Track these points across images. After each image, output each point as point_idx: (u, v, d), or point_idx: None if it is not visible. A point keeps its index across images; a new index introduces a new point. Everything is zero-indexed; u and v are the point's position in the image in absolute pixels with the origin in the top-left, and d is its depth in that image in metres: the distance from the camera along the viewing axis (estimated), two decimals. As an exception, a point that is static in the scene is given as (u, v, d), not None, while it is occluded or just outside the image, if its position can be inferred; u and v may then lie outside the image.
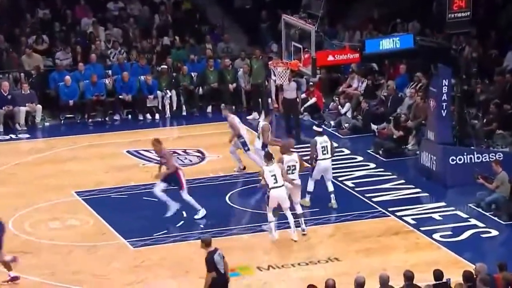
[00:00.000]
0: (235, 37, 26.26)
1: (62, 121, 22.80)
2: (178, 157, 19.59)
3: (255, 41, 26.00)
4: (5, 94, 22.22)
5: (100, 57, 23.95)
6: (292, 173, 16.22)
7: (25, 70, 23.33)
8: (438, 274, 12.63)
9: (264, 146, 18.06)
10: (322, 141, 17.26)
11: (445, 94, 18.49)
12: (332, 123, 22.36)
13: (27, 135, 21.84)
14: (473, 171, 17.56)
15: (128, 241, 15.94)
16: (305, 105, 22.85)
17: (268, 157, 16.06)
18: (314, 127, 17.89)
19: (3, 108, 22.05)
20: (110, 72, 23.70)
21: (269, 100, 23.44)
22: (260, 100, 23.39)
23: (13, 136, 21.80)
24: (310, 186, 17.25)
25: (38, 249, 15.55)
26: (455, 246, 15.87)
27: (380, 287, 12.39)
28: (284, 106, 21.58)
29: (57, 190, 18.18)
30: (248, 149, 18.74)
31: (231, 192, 18.21)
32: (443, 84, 18.50)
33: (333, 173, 17.92)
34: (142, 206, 17.52)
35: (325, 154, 17.18)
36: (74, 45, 24.33)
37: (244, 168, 19.00)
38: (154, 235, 16.17)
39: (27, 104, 22.27)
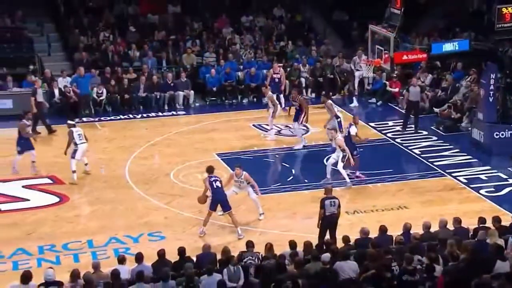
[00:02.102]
0: (333, 41, 25.91)
1: (208, 102, 22.98)
2: (289, 129, 19.51)
3: (348, 45, 25.60)
4: (169, 82, 22.58)
5: (235, 56, 24.06)
6: None
7: (184, 65, 23.70)
8: (482, 220, 12.39)
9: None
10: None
11: (492, 85, 17.95)
12: (405, 106, 21.81)
13: (183, 112, 22.08)
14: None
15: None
16: (389, 92, 22.42)
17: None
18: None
19: (167, 92, 22.44)
20: (241, 67, 23.79)
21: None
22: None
23: (174, 112, 22.06)
24: None
25: (189, 194, 15.72)
26: (497, 199, 15.39)
27: (439, 228, 12.24)
28: (408, 106, 19.87)
29: (203, 152, 18.38)
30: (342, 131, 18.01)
31: (327, 156, 18.07)
32: (491, 77, 17.97)
33: (404, 143, 17.62)
34: (263, 165, 17.60)
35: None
36: (217, 47, 24.51)
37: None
38: (272, 186, 16.22)
39: (184, 90, 22.61)
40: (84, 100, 21.37)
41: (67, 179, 16.58)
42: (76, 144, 16.33)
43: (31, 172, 16.74)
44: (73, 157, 16.31)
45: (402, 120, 20.09)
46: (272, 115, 19.34)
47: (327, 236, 12.66)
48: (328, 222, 12.80)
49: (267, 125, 19.77)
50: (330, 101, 18.67)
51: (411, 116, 19.76)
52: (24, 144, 16.78)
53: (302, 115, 18.44)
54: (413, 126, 19.74)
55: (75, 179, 16.28)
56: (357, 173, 16.21)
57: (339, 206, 12.93)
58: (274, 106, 19.36)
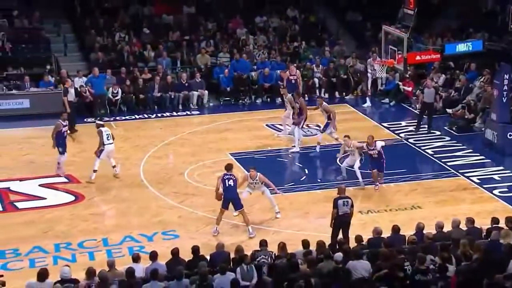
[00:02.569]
0: (346, 42, 25.85)
1: (221, 102, 23.01)
2: (302, 129, 19.45)
3: (361, 45, 25.53)
4: (183, 82, 22.63)
5: (249, 56, 24.06)
6: None
7: (198, 66, 23.74)
8: (495, 220, 12.31)
9: None
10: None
11: (505, 85, 17.84)
12: (418, 106, 21.74)
13: (198, 112, 22.09)
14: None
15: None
16: (403, 92, 22.33)
17: None
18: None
19: (182, 92, 22.49)
20: (255, 67, 23.78)
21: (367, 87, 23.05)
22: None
23: (188, 112, 22.09)
24: None
25: (203, 193, 15.77)
26: (510, 200, 15.27)
27: (452, 228, 12.18)
28: (422, 107, 19.74)
29: (217, 151, 18.41)
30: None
31: (340, 156, 18.04)
32: (504, 78, 17.86)
33: (417, 144, 17.55)
34: (276, 164, 17.59)
35: None
36: (231, 48, 24.53)
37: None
38: (285, 185, 16.21)
39: (198, 90, 22.65)
40: (99, 100, 21.49)
41: (83, 178, 16.68)
42: (103, 144, 16.20)
43: (57, 172, 16.67)
44: (98, 156, 16.24)
45: (415, 121, 20.00)
46: (293, 117, 18.88)
47: (340, 236, 12.64)
48: (340, 221, 12.79)
49: (281, 125, 19.65)
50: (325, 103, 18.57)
51: (424, 116, 19.63)
52: (63, 144, 16.61)
53: (303, 118, 18.26)
54: (426, 126, 19.65)
55: (93, 178, 16.31)
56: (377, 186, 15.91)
57: (352, 205, 12.92)
58: (293, 108, 19.13)
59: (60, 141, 16.63)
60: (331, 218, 12.91)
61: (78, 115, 21.29)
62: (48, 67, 22.75)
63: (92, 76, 21.67)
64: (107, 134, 16.36)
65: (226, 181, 13.84)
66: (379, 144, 15.76)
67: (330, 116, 18.27)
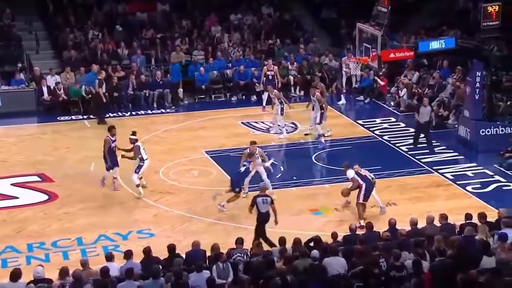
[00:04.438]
0: (321, 39, 25.94)
1: (196, 100, 22.93)
2: (285, 126, 19.33)
3: (336, 43, 25.64)
4: (158, 80, 22.53)
5: (224, 54, 24.03)
6: None
7: (172, 64, 23.62)
8: (469, 216, 12.45)
9: None
10: None
11: (478, 83, 17.99)
12: (392, 103, 21.95)
13: (173, 110, 22.00)
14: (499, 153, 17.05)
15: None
16: (377, 87, 22.48)
17: None
18: None
19: (156, 90, 22.36)
20: (230, 65, 23.76)
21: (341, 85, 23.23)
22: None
23: (163, 110, 21.99)
24: None
25: (179, 191, 15.78)
26: (483, 196, 15.47)
27: (426, 225, 12.30)
28: (417, 127, 18.46)
29: (192, 149, 18.38)
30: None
31: (316, 153, 18.12)
32: (477, 75, 18.01)
33: (392, 141, 17.58)
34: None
35: None
36: (206, 45, 24.47)
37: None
38: (260, 183, 16.14)
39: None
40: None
41: (56, 177, 16.52)
42: (143, 160, 15.34)
43: (111, 189, 15.73)
44: (137, 172, 15.36)
45: (389, 118, 20.13)
46: (281, 113, 19.06)
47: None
48: (263, 219, 12.98)
49: (273, 123, 19.55)
50: (318, 94, 18.69)
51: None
52: (114, 158, 15.63)
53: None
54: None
55: (142, 193, 15.44)
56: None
57: (271, 203, 13.01)
58: (282, 103, 19.04)
59: (113, 157, 15.61)
60: (249, 212, 13.14)
61: (51, 114, 21.15)
62: (20, 65, 22.48)
63: (92, 73, 21.59)
64: (143, 148, 15.52)
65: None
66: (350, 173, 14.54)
67: (322, 106, 18.39)
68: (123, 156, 15.66)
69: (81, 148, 18.42)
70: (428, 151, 17.89)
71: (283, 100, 19.22)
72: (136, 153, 15.43)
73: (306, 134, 19.09)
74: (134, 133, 15.80)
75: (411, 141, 18.79)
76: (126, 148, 15.65)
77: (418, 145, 18.29)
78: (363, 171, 14.50)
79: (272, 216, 13.11)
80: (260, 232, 12.86)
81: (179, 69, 22.55)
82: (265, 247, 11.95)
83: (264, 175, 15.16)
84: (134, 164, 15.52)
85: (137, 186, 15.50)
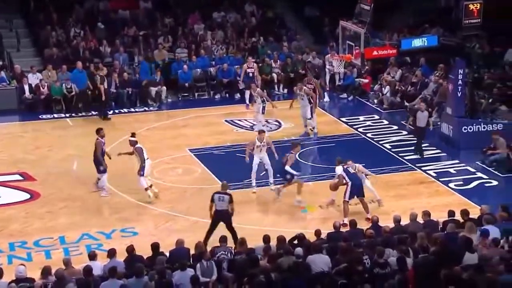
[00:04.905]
0: (304, 37, 25.97)
1: (180, 98, 22.85)
2: (265, 124, 19.40)
3: (319, 41, 25.69)
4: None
5: (207, 52, 23.98)
6: None
7: (155, 61, 23.52)
8: (451, 213, 12.54)
9: None
10: None
11: (460, 80, 18.12)
12: (375, 101, 22.04)
13: (156, 108, 21.92)
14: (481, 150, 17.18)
15: (225, 185, 16.05)
16: (360, 85, 22.59)
17: None
18: None
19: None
20: (213, 62, 23.72)
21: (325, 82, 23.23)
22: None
23: (146, 108, 21.92)
24: None
25: (162, 189, 15.72)
26: (465, 193, 15.59)
27: (410, 222, 12.36)
28: (415, 132, 18.09)
29: (175, 147, 18.33)
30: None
31: (300, 151, 18.13)
32: (459, 72, 18.13)
33: (375, 138, 17.59)
34: (235, 160, 17.55)
35: None
36: (189, 43, 24.40)
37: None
38: (244, 181, 16.21)
39: (156, 86, 22.40)
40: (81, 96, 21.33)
41: (38, 176, 16.40)
42: (143, 161, 15.03)
43: (93, 189, 15.55)
44: (142, 174, 15.02)
45: (372, 116, 20.19)
46: (262, 111, 19.03)
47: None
48: (217, 216, 12.93)
49: (256, 121, 19.48)
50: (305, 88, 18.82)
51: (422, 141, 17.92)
52: (104, 163, 15.29)
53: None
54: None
55: (152, 196, 15.14)
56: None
57: (230, 202, 12.92)
58: (264, 101, 19.02)
59: (103, 160, 15.31)
60: (210, 212, 13.05)
61: (33, 113, 21.00)
62: (0, 63, 22.27)
63: (77, 70, 21.33)
64: (144, 149, 15.20)
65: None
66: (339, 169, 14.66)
67: (310, 99, 18.42)
68: (119, 154, 15.49)
69: (63, 146, 18.31)
70: (413, 148, 17.93)
71: (265, 99, 19.21)
72: (141, 155, 15.02)
73: (311, 129, 19.16)
74: (133, 135, 15.45)
75: (395, 138, 18.85)
76: (127, 152, 15.36)
77: (396, 142, 18.34)
78: (358, 167, 14.49)
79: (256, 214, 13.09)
80: (210, 228, 12.81)
81: (148, 68, 22.31)
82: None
83: (269, 166, 15.30)
84: (134, 167, 15.17)
85: (146, 189, 15.15)
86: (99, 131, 15.60)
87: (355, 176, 14.32)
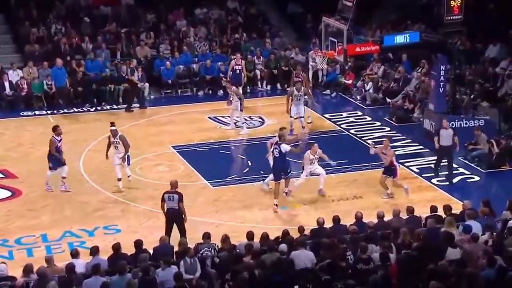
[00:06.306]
0: (287, 34, 25.98)
1: (163, 95, 22.76)
2: (245, 122, 19.49)
3: (302, 37, 25.71)
4: (124, 75, 22.17)
5: (190, 48, 23.90)
6: None
7: (138, 58, 23.42)
8: (434, 209, 12.61)
9: None
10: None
11: (442, 76, 18.24)
12: (358, 97, 22.12)
13: (138, 105, 21.70)
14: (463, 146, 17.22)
15: (209, 182, 16.02)
16: (343, 84, 22.58)
17: None
18: None
19: (122, 85, 22.03)
20: (196, 59, 23.65)
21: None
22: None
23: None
24: None
25: (145, 186, 15.70)
26: (448, 188, 15.67)
27: (393, 217, 12.42)
28: (439, 152, 16.25)
29: (159, 144, 18.27)
30: None
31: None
32: (441, 69, 18.25)
33: (358, 134, 17.63)
34: (219, 157, 17.57)
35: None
36: (172, 40, 24.31)
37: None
38: (228, 178, 16.21)
39: (139, 82, 22.32)
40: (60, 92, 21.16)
41: (19, 173, 16.25)
42: (128, 149, 15.30)
43: (61, 189, 15.43)
44: (129, 164, 15.48)
45: (356, 112, 20.26)
46: (240, 108, 18.97)
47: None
48: (169, 215, 12.87)
49: (229, 117, 19.44)
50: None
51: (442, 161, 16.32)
52: (55, 160, 15.34)
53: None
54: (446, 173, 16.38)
55: (121, 187, 15.44)
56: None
57: (179, 201, 12.83)
58: (240, 99, 19.02)
59: (60, 157, 15.31)
60: (162, 210, 12.99)
61: (14, 110, 20.82)
62: (-20, 59, 22.07)
63: (56, 67, 21.15)
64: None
65: (274, 150, 14.58)
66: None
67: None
68: (107, 155, 15.46)
69: (45, 143, 18.04)
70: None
71: (241, 96, 19.16)
72: (125, 142, 15.23)
73: (309, 123, 19.29)
74: (113, 124, 15.61)
75: (377, 134, 18.93)
76: (107, 145, 15.41)
77: (379, 138, 18.39)
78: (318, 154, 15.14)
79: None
80: (166, 228, 12.75)
81: (103, 65, 22.22)
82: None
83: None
84: (115, 157, 15.26)
85: (119, 180, 15.37)
86: (55, 128, 15.64)
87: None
